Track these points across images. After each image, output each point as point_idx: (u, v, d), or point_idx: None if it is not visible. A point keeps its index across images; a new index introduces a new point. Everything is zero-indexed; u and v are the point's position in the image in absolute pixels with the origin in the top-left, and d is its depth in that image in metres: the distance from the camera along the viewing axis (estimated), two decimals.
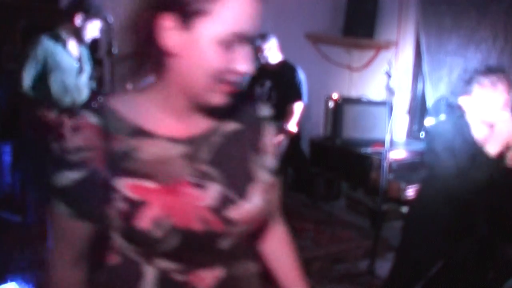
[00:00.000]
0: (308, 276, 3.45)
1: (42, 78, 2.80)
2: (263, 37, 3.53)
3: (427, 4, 4.75)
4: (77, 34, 2.83)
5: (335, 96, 5.04)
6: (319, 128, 5.32)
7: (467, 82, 2.08)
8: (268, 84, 3.58)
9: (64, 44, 2.85)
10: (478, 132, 2.10)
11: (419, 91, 5.05)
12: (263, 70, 3.60)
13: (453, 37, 4.57)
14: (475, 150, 2.03)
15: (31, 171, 3.47)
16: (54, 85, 2.85)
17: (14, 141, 3.88)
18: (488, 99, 2.00)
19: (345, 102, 4.89)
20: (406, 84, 5.00)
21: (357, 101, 4.84)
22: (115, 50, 2.76)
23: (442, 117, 3.50)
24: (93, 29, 2.84)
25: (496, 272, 2.69)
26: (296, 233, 4.05)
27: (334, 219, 4.41)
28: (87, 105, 2.94)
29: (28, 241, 3.31)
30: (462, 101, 2.11)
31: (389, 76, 3.54)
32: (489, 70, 2.06)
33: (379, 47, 5.22)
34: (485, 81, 2.01)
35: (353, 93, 5.23)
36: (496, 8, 4.19)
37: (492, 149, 1.99)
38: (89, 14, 2.77)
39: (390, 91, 3.63)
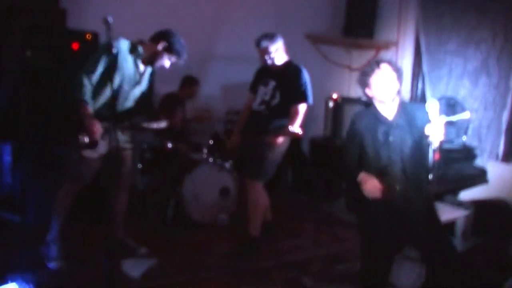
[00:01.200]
0: (308, 276, 3.44)
1: (103, 77, 2.92)
2: (271, 37, 3.44)
3: (427, 4, 4.75)
4: (152, 56, 3.05)
5: (335, 96, 5.05)
6: (319, 128, 5.33)
7: (363, 75, 2.49)
8: (272, 83, 3.53)
9: (137, 57, 3.03)
10: (384, 111, 2.49)
11: (419, 91, 5.06)
12: (268, 70, 3.55)
13: (453, 37, 4.56)
14: (387, 126, 2.46)
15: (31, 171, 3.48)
16: (108, 87, 2.94)
17: (14, 141, 3.88)
18: (381, 82, 2.42)
19: (345, 102, 4.90)
20: (406, 84, 5.01)
21: (357, 101, 4.84)
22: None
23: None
24: (166, 61, 3.07)
25: (496, 272, 2.69)
26: (296, 233, 4.06)
27: (334, 219, 4.42)
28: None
29: (28, 241, 3.32)
30: (367, 92, 2.51)
31: None
32: (375, 62, 2.47)
33: (379, 47, 5.22)
34: (373, 66, 2.45)
35: (353, 93, 5.23)
36: (496, 8, 4.19)
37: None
38: (172, 50, 3.03)
39: None
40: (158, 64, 3.09)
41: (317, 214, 4.59)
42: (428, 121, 2.31)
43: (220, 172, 4.06)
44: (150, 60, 3.08)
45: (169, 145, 4.30)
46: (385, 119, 2.48)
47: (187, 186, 3.91)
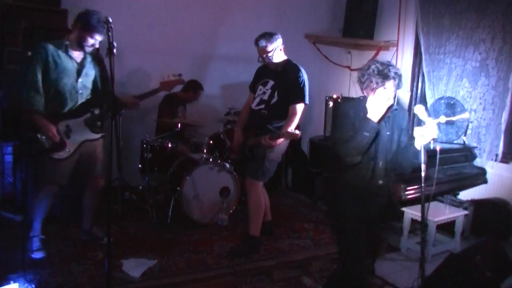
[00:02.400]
0: (308, 276, 3.43)
1: (43, 80, 3.02)
2: (269, 37, 3.43)
3: (427, 5, 4.77)
4: (78, 43, 3.08)
5: (335, 96, 5.06)
6: (319, 128, 5.34)
7: (366, 82, 2.52)
8: (270, 83, 3.53)
9: (66, 49, 3.08)
10: (371, 113, 2.56)
11: (419, 91, 5.07)
12: (266, 69, 3.55)
13: (452, 38, 4.58)
14: (366, 122, 2.54)
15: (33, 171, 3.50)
16: (53, 87, 3.04)
17: (15, 141, 3.90)
18: (379, 95, 2.49)
19: (345, 102, 4.90)
20: (406, 84, 5.02)
21: None
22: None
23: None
24: (91, 40, 3.07)
25: (495, 271, 2.70)
26: (296, 233, 4.07)
27: None
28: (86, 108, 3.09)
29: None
30: (364, 93, 2.60)
31: None
32: (382, 70, 2.48)
33: (379, 48, 5.24)
34: (378, 81, 2.46)
35: (353, 93, 5.24)
36: (495, 9, 4.20)
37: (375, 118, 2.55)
38: (88, 27, 3.03)
39: None
40: (86, 46, 3.09)
41: (317, 214, 4.60)
42: (407, 124, 2.57)
43: (220, 172, 4.07)
44: (78, 46, 3.09)
45: (169, 145, 4.31)
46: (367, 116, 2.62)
47: (187, 186, 3.92)
